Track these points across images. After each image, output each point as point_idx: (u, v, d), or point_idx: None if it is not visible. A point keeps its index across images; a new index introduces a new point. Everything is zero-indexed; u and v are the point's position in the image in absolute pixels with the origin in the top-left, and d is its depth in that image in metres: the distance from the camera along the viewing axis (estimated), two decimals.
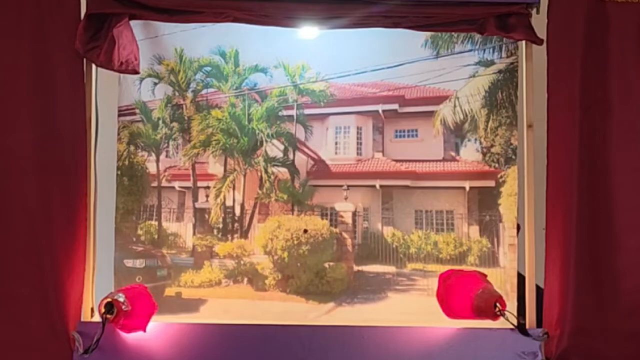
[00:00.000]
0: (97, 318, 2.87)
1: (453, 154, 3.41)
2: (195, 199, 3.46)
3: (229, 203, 3.42)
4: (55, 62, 2.89)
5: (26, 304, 2.86)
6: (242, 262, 3.37)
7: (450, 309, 2.96)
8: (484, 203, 3.34)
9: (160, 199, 3.44)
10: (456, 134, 3.40)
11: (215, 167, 3.47)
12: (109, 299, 2.79)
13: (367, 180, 3.45)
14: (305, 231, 3.36)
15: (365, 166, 3.47)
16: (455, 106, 3.38)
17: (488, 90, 3.35)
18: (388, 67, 3.38)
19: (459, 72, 3.37)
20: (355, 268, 3.39)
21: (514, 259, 3.26)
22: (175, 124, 3.44)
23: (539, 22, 2.95)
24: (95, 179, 3.02)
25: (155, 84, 3.43)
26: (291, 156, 3.44)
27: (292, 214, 3.42)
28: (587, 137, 2.89)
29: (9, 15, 2.88)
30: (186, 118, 3.44)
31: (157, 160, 3.44)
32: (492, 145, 3.36)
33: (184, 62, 3.40)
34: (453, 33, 3.32)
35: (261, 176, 3.44)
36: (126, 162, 3.39)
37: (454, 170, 3.40)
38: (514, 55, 3.32)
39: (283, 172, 3.45)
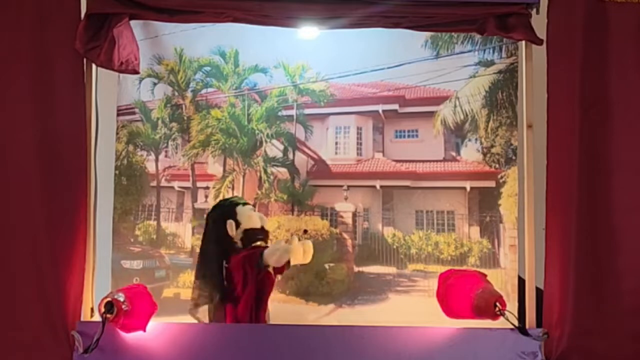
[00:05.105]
0: (97, 318, 2.87)
1: (454, 154, 3.41)
2: (194, 199, 3.45)
3: None
4: (55, 62, 2.89)
5: (26, 303, 2.86)
6: None
7: (450, 309, 2.95)
8: (484, 203, 3.34)
9: (159, 199, 3.43)
10: (457, 134, 3.40)
11: (214, 167, 3.46)
12: (109, 299, 2.78)
13: (368, 181, 3.45)
14: (306, 232, 3.35)
15: (366, 166, 3.46)
16: (455, 106, 3.39)
17: (488, 90, 3.36)
18: (388, 68, 3.38)
19: (459, 73, 3.38)
20: (356, 269, 3.38)
21: (514, 259, 3.26)
22: (174, 124, 3.44)
23: (539, 22, 2.95)
24: (96, 178, 3.01)
25: (155, 84, 3.43)
26: (291, 156, 3.44)
27: (292, 214, 3.41)
28: (587, 137, 2.88)
29: (9, 15, 2.88)
30: (185, 118, 3.44)
31: (157, 160, 3.44)
32: (492, 146, 3.36)
33: (183, 61, 3.41)
34: (453, 33, 3.33)
35: (260, 176, 3.44)
36: (124, 162, 3.39)
37: (455, 171, 3.40)
38: (514, 55, 3.32)
39: (283, 172, 3.44)
